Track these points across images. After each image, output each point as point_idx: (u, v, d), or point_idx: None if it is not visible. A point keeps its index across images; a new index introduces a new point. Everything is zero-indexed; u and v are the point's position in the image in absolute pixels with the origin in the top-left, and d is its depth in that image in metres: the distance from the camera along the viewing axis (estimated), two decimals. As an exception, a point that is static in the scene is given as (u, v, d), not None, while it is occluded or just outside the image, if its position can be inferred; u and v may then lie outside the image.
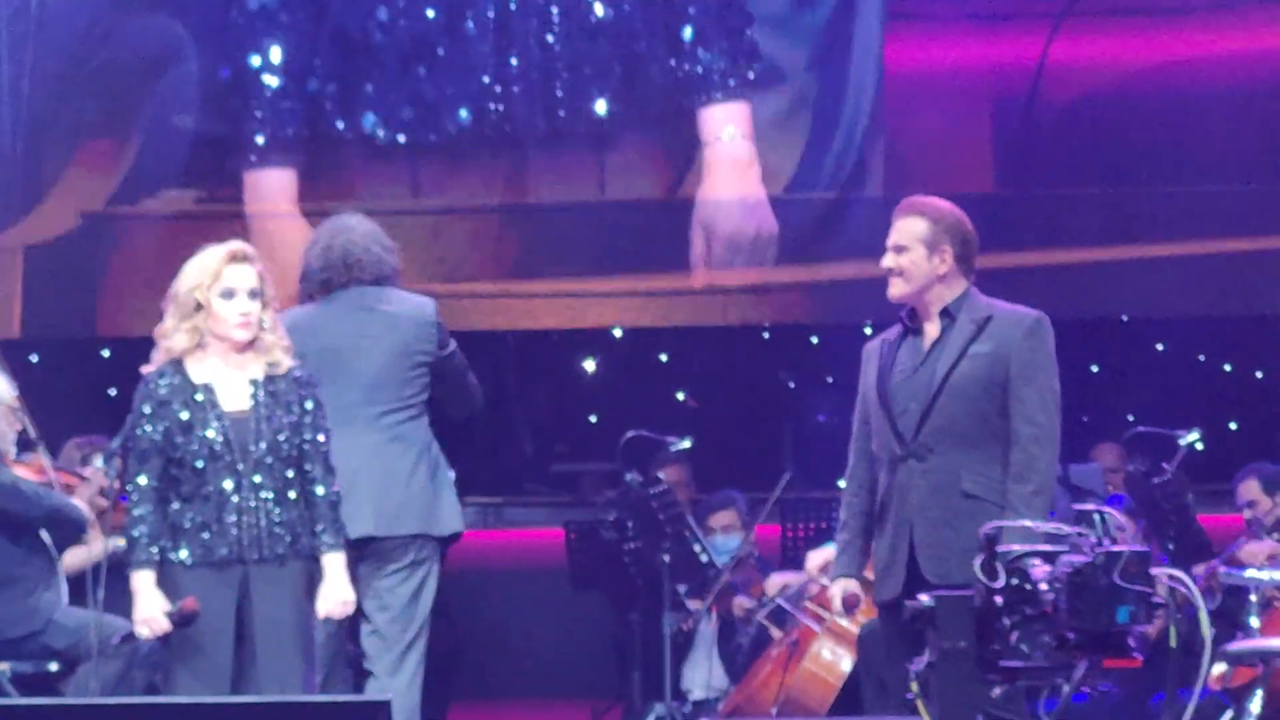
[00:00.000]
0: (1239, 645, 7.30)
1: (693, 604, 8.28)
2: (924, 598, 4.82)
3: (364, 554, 6.33)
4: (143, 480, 5.69)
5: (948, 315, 5.83)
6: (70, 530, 7.45)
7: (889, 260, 5.86)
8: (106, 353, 10.89)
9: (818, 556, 7.57)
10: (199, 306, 5.70)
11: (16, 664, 6.76)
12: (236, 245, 5.81)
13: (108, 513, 7.43)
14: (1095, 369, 11.30)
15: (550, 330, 11.60)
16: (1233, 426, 10.93)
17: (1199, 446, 8.06)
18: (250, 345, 5.76)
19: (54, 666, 6.76)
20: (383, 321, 6.48)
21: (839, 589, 5.96)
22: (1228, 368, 11.39)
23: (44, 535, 7.32)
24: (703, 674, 8.22)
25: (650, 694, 8.06)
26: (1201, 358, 11.37)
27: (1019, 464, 5.70)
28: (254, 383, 5.75)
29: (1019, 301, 5.99)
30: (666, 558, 7.65)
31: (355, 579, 6.16)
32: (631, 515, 8.07)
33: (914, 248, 5.82)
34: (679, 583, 8.04)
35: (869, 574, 6.01)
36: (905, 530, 5.76)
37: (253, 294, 5.73)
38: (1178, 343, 11.18)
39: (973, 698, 4.83)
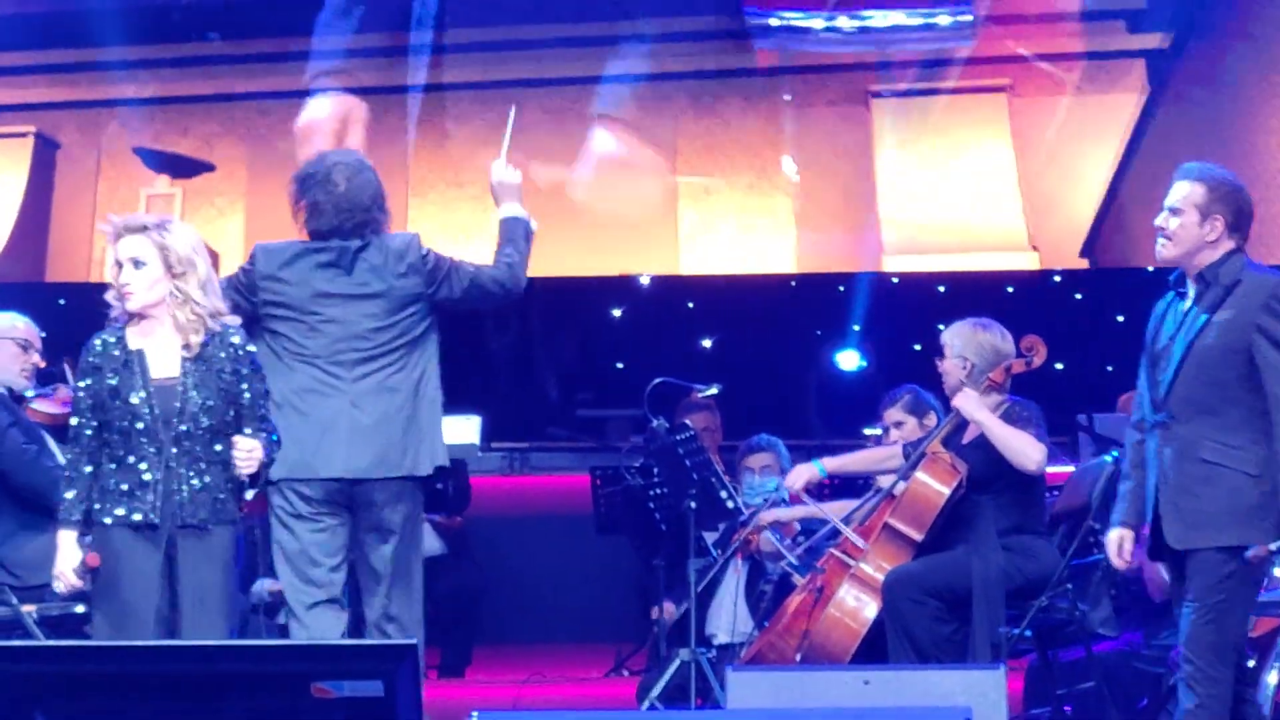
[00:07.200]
0: (1263, 595, 7.29)
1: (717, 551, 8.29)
2: None
3: (345, 498, 6.33)
4: (79, 438, 5.74)
5: (1203, 280, 5.84)
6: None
7: (1161, 220, 5.88)
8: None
9: (803, 472, 7.51)
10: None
11: (43, 605, 6.76)
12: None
13: None
14: (1121, 319, 11.28)
15: (578, 276, 11.61)
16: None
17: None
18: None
19: (80, 608, 6.76)
20: (368, 271, 6.39)
21: (1116, 536, 5.97)
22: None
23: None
24: (728, 618, 8.22)
25: (675, 639, 8.07)
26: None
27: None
28: (186, 348, 5.77)
29: None
30: (692, 504, 7.64)
31: (341, 523, 6.27)
32: (657, 461, 8.06)
33: (1188, 212, 5.83)
34: (704, 529, 8.04)
35: None
36: (1152, 495, 5.81)
37: None
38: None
39: None
